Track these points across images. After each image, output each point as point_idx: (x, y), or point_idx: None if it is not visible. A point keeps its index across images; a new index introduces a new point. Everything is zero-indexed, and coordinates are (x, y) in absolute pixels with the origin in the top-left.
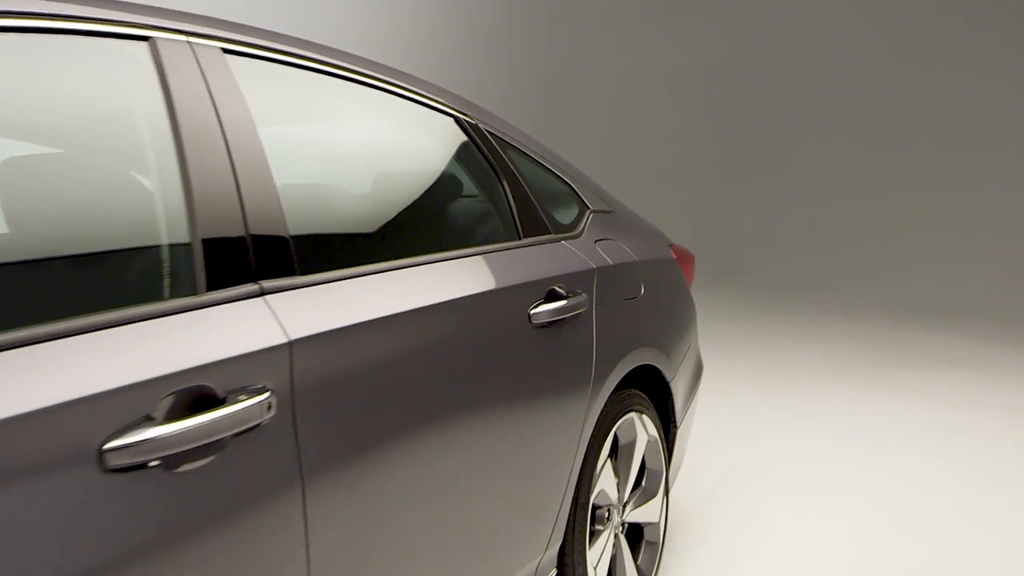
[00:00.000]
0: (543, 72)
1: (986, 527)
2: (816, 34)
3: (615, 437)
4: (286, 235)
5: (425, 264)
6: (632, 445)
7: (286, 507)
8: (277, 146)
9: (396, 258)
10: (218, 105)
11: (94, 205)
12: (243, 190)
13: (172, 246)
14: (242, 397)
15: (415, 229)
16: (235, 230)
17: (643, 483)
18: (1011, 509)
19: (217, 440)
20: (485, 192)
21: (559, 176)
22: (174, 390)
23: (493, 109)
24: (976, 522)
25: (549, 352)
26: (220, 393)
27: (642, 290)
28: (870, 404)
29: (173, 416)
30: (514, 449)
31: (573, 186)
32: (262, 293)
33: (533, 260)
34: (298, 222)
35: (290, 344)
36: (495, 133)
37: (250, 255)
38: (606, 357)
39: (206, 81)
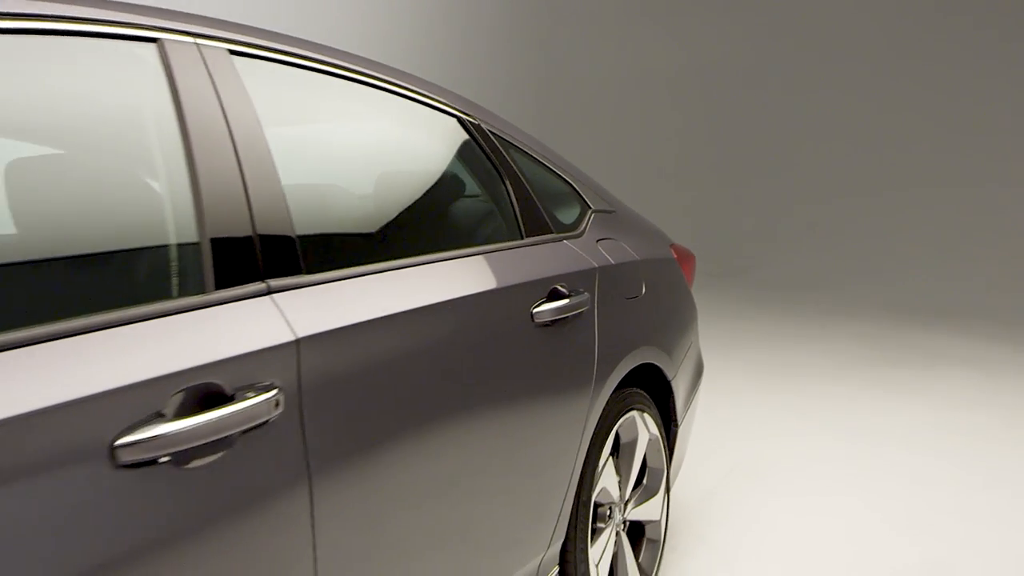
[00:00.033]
0: (543, 72)
1: (986, 527)
2: (816, 34)
3: (616, 435)
4: (293, 235)
5: (428, 263)
6: (633, 443)
7: (294, 502)
8: (283, 146)
9: (400, 257)
10: (225, 106)
11: (105, 206)
12: (250, 190)
13: (181, 246)
14: (250, 394)
15: (419, 228)
16: (243, 230)
17: (644, 481)
18: (1011, 509)
19: (226, 436)
20: (488, 192)
21: (561, 176)
22: (183, 387)
23: (494, 109)
24: (976, 522)
25: (551, 351)
26: (228, 390)
27: (643, 289)
28: (870, 404)
29: (183, 413)
30: (517, 447)
31: (575, 186)
32: (269, 292)
33: (535, 259)
34: (304, 222)
35: (297, 342)
36: (497, 133)
37: (257, 254)
38: (608, 356)
39: (213, 82)
